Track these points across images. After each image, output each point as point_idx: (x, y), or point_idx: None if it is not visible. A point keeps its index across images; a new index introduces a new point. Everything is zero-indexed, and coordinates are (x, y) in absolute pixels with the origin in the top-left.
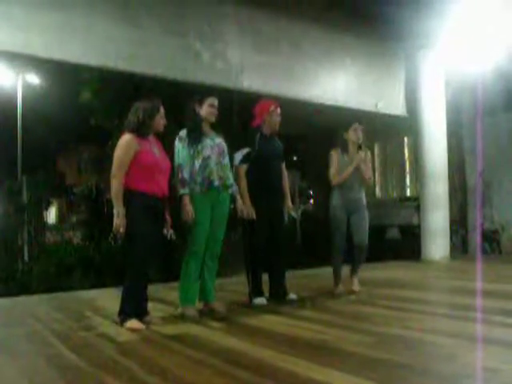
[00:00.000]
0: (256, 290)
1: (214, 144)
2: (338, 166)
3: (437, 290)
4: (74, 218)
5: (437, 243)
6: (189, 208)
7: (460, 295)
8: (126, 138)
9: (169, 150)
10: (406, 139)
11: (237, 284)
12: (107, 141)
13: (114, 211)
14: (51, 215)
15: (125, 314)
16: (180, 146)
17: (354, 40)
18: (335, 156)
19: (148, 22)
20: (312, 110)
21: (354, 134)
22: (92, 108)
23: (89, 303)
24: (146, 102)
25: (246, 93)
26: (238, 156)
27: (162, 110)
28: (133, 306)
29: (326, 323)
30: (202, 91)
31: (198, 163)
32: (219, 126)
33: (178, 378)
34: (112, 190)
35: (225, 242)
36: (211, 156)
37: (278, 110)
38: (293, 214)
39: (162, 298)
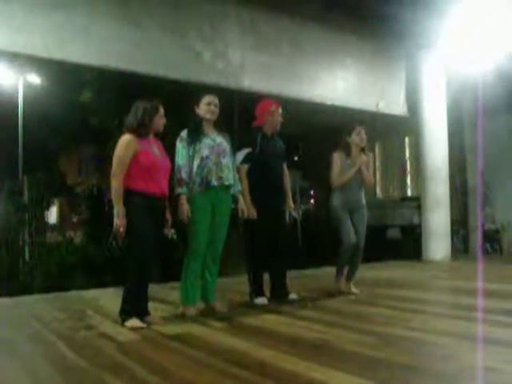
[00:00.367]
0: (257, 290)
1: (214, 144)
2: (340, 168)
3: (438, 290)
4: (75, 218)
5: (438, 243)
6: (185, 207)
7: (461, 295)
8: (125, 138)
9: (170, 150)
10: (406, 139)
11: (238, 284)
12: (108, 141)
13: (114, 211)
14: (52, 215)
15: (126, 313)
16: (180, 146)
17: (354, 40)
18: (338, 158)
19: (149, 22)
20: (313, 110)
21: (358, 138)
22: (93, 108)
23: (90, 303)
24: (146, 102)
25: (246, 93)
26: (240, 156)
27: (161, 110)
28: (134, 306)
29: (326, 323)
30: (202, 91)
31: (196, 163)
32: (218, 126)
33: (179, 378)
34: (112, 190)
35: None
36: (210, 156)
37: (280, 110)
38: (294, 214)
39: (163, 297)
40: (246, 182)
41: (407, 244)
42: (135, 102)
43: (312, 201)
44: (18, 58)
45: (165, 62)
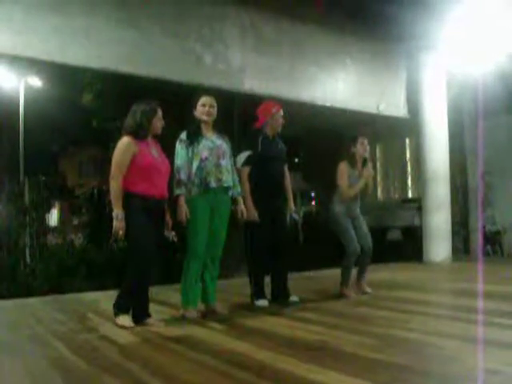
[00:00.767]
0: (258, 292)
1: (214, 145)
2: (348, 178)
3: (438, 292)
4: (76, 220)
5: (438, 245)
6: (183, 209)
7: (462, 297)
8: (124, 141)
9: (171, 153)
10: (407, 140)
11: (239, 286)
12: (109, 143)
13: (113, 214)
14: (53, 217)
15: (118, 307)
16: (179, 148)
17: (355, 41)
18: (345, 169)
19: (149, 25)
20: (313, 112)
21: (362, 148)
22: (93, 110)
23: (91, 305)
24: (144, 104)
25: (247, 95)
26: (241, 158)
27: (159, 112)
28: (128, 303)
29: (327, 325)
30: (199, 93)
31: (195, 164)
32: (218, 128)
33: (180, 380)
34: (111, 192)
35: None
36: (209, 157)
37: (281, 112)
38: (294, 216)
39: (164, 299)
40: (247, 185)
41: (408, 246)
42: (134, 104)
43: (313, 202)
44: (18, 61)
45: (165, 65)
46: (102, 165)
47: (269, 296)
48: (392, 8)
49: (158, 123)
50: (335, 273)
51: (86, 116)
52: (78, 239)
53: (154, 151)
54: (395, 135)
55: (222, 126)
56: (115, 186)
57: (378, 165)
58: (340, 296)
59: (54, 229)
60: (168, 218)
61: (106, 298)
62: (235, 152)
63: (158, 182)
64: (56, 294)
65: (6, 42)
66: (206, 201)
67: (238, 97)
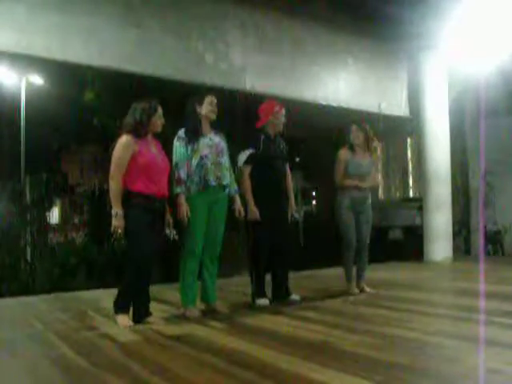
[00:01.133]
0: (259, 291)
1: (213, 143)
2: (344, 166)
3: (439, 292)
4: (76, 219)
5: (439, 244)
6: (184, 207)
7: (462, 296)
8: (123, 139)
9: (171, 151)
10: (408, 140)
11: (239, 284)
12: (110, 141)
13: (113, 212)
14: (54, 215)
15: (118, 307)
16: (178, 145)
17: (356, 40)
18: (342, 156)
19: (150, 23)
20: (314, 111)
21: (353, 136)
22: (95, 108)
23: (92, 303)
24: (144, 102)
25: (248, 94)
26: (242, 157)
27: (159, 110)
28: (127, 302)
29: (328, 324)
30: (204, 90)
31: (195, 162)
32: (218, 126)
33: (180, 378)
34: (110, 191)
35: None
36: (208, 155)
37: (283, 111)
38: (295, 215)
39: (164, 298)
40: (248, 183)
41: (409, 245)
42: (134, 102)
43: (314, 202)
44: (20, 59)
45: (166, 63)
46: (103, 163)
47: (269, 295)
48: (394, 7)
49: (158, 121)
50: (336, 271)
51: (87, 114)
52: (79, 237)
53: (154, 149)
54: (396, 135)
55: (223, 125)
56: (114, 185)
57: (380, 164)
58: (340, 295)
59: (55, 227)
60: (168, 216)
61: (107, 296)
62: (237, 151)
63: (158, 180)
64: (57, 292)
65: (9, 39)
66: (204, 199)
67: (239, 95)
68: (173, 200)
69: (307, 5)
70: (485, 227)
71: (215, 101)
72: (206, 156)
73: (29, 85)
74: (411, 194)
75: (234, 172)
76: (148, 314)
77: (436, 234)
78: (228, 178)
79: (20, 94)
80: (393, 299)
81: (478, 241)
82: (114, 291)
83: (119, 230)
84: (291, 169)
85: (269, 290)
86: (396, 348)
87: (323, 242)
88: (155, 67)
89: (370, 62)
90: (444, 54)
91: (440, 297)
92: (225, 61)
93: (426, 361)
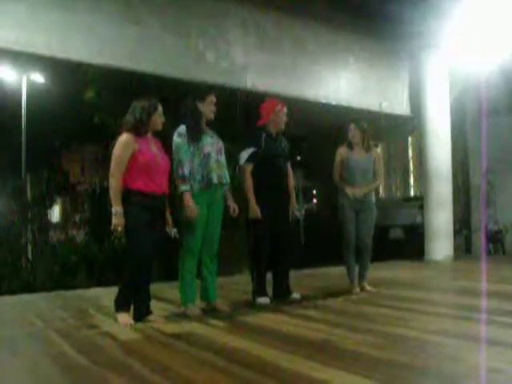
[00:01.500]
0: (260, 289)
1: (213, 141)
2: (342, 164)
3: (440, 291)
4: (77, 217)
5: (440, 243)
6: (192, 205)
7: (463, 296)
8: (123, 138)
9: (171, 149)
10: (409, 139)
11: (240, 283)
12: (111, 139)
13: (112, 210)
14: (55, 213)
15: (118, 305)
16: (180, 142)
17: (358, 39)
18: (339, 152)
19: (151, 21)
20: (316, 110)
21: (350, 134)
22: (96, 106)
23: (92, 301)
24: (144, 100)
25: (249, 92)
26: (244, 155)
27: (159, 108)
28: (127, 301)
29: (329, 323)
30: (206, 88)
31: (197, 160)
32: (221, 125)
33: (181, 377)
34: (110, 189)
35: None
36: (211, 153)
37: (285, 110)
38: (296, 213)
39: (165, 296)
40: (250, 182)
41: (410, 244)
42: (134, 100)
43: (314, 200)
44: (21, 57)
45: (167, 61)
46: (104, 161)
47: (270, 293)
48: (395, 6)
49: (159, 119)
50: (337, 270)
51: (88, 112)
52: (80, 236)
53: (154, 148)
54: (397, 133)
55: (225, 123)
56: (114, 183)
57: (381, 163)
58: (342, 293)
59: (56, 225)
60: (168, 214)
61: (108, 294)
62: (238, 149)
63: (158, 178)
64: (57, 290)
65: (10, 37)
66: (204, 197)
67: (240, 94)
68: (173, 198)
69: (308, 4)
70: (486, 226)
71: (215, 100)
72: (208, 154)
73: (29, 82)
74: (412, 192)
75: (234, 170)
76: (148, 312)
77: (437, 233)
78: (228, 177)
79: (21, 92)
80: (394, 298)
81: (479, 240)
82: (114, 289)
83: (119, 228)
84: (293, 167)
85: (269, 289)
86: (397, 347)
87: (324, 240)
88: (156, 65)
89: (371, 61)
90: (445, 52)
91: (441, 296)
92: (226, 59)
93: (427, 360)
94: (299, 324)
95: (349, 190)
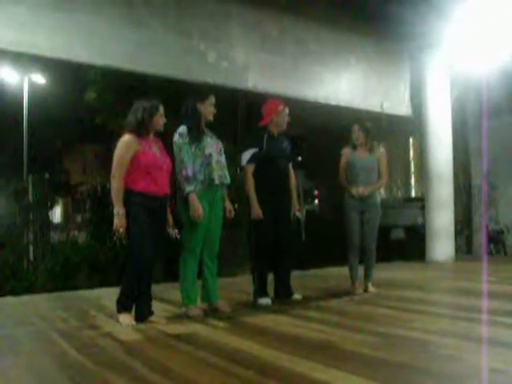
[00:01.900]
0: (261, 290)
1: (214, 142)
2: (345, 165)
3: (441, 291)
4: (79, 218)
5: (441, 244)
6: (198, 204)
7: (464, 296)
8: (125, 139)
9: (172, 150)
10: (410, 139)
11: (241, 284)
12: (112, 140)
13: (114, 211)
14: (57, 214)
15: (119, 306)
16: (181, 143)
17: (359, 40)
18: (344, 155)
19: (152, 23)
20: (317, 110)
21: (354, 135)
22: (97, 107)
23: (94, 302)
24: (145, 101)
25: (251, 93)
26: (246, 155)
27: (161, 109)
28: (129, 301)
29: (330, 323)
30: (206, 89)
31: (199, 161)
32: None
33: (182, 377)
34: (112, 190)
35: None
36: (212, 154)
37: (287, 110)
38: (298, 214)
39: (166, 297)
40: (251, 182)
41: (411, 245)
42: (136, 101)
43: (316, 201)
44: (22, 58)
45: (169, 63)
46: (106, 162)
47: (271, 294)
48: (396, 7)
49: (160, 120)
50: (339, 271)
51: (89, 114)
52: (81, 237)
53: (156, 149)
54: (398, 134)
55: (226, 124)
56: (116, 184)
57: (386, 163)
58: (343, 294)
59: (58, 225)
60: (170, 215)
61: (109, 295)
62: (240, 149)
63: (160, 179)
64: (59, 291)
65: (11, 38)
66: (206, 198)
67: (242, 95)
68: (176, 199)
69: (310, 4)
70: (487, 226)
71: (214, 102)
72: (210, 155)
73: (31, 83)
74: (413, 193)
75: (235, 171)
76: (150, 312)
77: (438, 234)
78: (229, 178)
79: (22, 93)
80: (395, 299)
81: (480, 240)
82: (115, 290)
83: (121, 229)
84: (294, 168)
85: (271, 289)
86: (398, 347)
87: (325, 241)
88: (157, 66)
89: (372, 62)
90: (446, 53)
91: (442, 296)
92: (227, 60)
93: (428, 360)
94: (300, 325)
95: (353, 189)
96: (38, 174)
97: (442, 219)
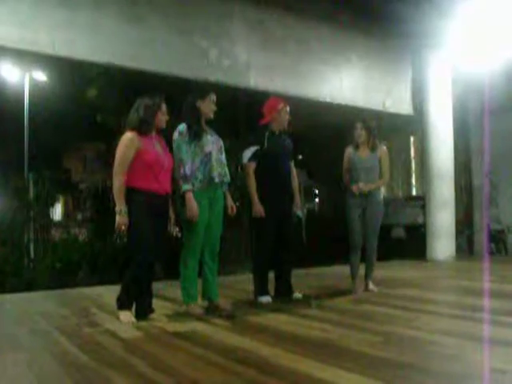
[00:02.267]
0: (261, 289)
1: (213, 140)
2: (348, 166)
3: (442, 290)
4: (80, 215)
5: (442, 243)
6: (194, 204)
7: (465, 295)
8: (127, 136)
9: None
10: (412, 138)
11: (242, 282)
12: (114, 138)
13: (116, 209)
14: (57, 212)
15: (121, 302)
16: (180, 141)
17: (361, 38)
18: (346, 153)
19: (154, 20)
20: (319, 109)
21: (355, 133)
22: (98, 105)
23: (94, 300)
24: (148, 99)
25: (252, 91)
26: (247, 154)
27: (163, 106)
28: (130, 299)
29: (330, 322)
30: (207, 87)
31: (198, 159)
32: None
33: (182, 375)
34: (114, 187)
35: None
36: (212, 152)
37: (288, 108)
38: (299, 213)
39: (167, 295)
40: (252, 180)
41: (412, 244)
42: (138, 99)
43: (316, 199)
44: (24, 55)
45: (170, 60)
46: (107, 160)
47: (272, 292)
48: (398, 5)
49: (162, 118)
50: (339, 269)
51: (90, 111)
52: (82, 234)
53: (158, 146)
54: (400, 133)
55: (227, 122)
56: (118, 182)
57: (388, 162)
58: (344, 293)
59: (58, 223)
60: (171, 213)
61: (110, 293)
62: (241, 147)
63: (162, 177)
64: (60, 288)
65: (13, 35)
66: (206, 196)
67: (243, 93)
68: (177, 197)
69: (312, 3)
70: (488, 226)
71: (215, 99)
72: (210, 153)
73: (32, 81)
74: (414, 192)
75: (236, 169)
76: (151, 310)
77: (439, 233)
78: (229, 176)
79: (23, 90)
80: (395, 297)
81: (481, 239)
82: (116, 288)
83: (123, 227)
84: (294, 166)
85: (271, 288)
86: (399, 346)
87: (326, 240)
88: (159, 64)
89: (374, 60)
90: (448, 52)
91: (443, 295)
92: (229, 58)
93: (429, 359)
94: (301, 323)
95: (354, 187)
96: (39, 171)
97: (442, 218)
